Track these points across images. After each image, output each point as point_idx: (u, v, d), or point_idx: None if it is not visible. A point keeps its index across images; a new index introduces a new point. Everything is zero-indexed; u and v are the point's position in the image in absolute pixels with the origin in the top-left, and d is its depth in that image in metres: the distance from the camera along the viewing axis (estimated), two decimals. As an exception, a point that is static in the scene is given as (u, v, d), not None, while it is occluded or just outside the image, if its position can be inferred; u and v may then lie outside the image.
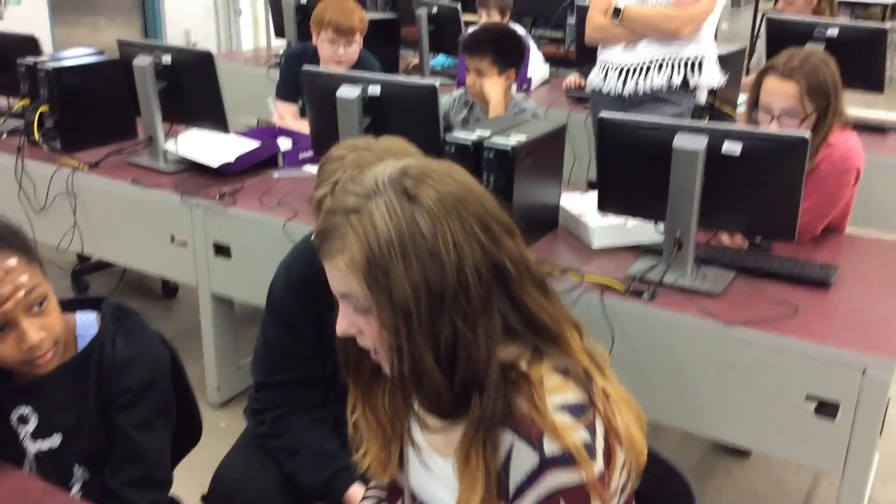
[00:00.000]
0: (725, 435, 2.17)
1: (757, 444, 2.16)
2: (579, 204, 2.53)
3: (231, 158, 2.89)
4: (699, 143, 2.03)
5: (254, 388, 1.84)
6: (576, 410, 0.98)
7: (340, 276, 0.99)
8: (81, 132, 3.15)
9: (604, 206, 2.29)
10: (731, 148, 2.02)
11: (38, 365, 1.44)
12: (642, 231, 2.35)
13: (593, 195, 2.37)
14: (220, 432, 1.95)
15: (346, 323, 1.04)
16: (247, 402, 1.88)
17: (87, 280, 3.81)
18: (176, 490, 1.74)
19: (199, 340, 2.99)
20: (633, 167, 2.20)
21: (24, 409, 1.51)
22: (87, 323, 1.57)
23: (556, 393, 0.99)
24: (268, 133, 3.27)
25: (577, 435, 0.97)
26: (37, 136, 3.11)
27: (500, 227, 1.02)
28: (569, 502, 0.97)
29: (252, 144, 2.99)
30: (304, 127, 3.16)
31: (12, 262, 1.38)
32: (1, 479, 1.48)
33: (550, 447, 0.96)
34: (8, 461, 1.52)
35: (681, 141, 2.04)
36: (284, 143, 3.10)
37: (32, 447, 1.53)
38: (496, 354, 1.00)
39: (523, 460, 0.97)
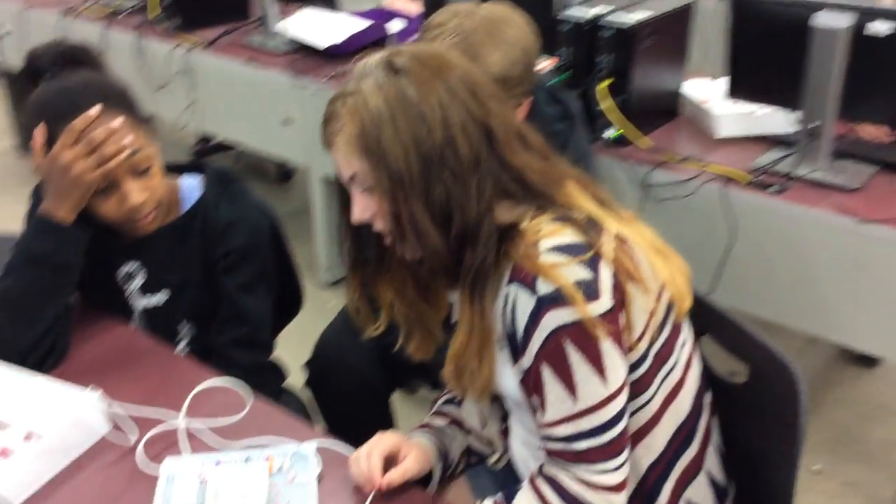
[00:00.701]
0: (854, 341, 2.03)
1: (889, 351, 2.02)
2: (704, 91, 2.36)
3: (339, 40, 2.84)
4: (842, 21, 1.83)
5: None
6: (569, 250, 1.00)
7: (343, 157, 1.05)
8: (197, 11, 3.16)
9: (735, 91, 2.13)
10: (879, 28, 1.83)
11: (139, 226, 1.46)
12: (772, 121, 2.18)
13: (720, 82, 2.21)
14: (329, 311, 1.98)
15: (359, 209, 1.08)
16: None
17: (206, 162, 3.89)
18: (281, 359, 1.77)
19: (311, 222, 3.02)
20: (768, 49, 2.03)
21: (132, 266, 1.54)
22: (192, 186, 1.57)
23: (550, 237, 1.01)
24: (380, 14, 3.20)
25: (568, 273, 0.98)
26: (155, 13, 3.13)
27: (487, 93, 1.06)
28: (574, 339, 0.99)
29: (362, 24, 2.92)
30: (417, 9, 3.07)
31: (118, 122, 1.37)
32: (110, 332, 1.53)
33: (543, 287, 0.99)
34: (117, 316, 1.56)
35: (822, 19, 1.86)
36: (396, 25, 3.02)
37: (140, 303, 1.56)
38: (491, 213, 1.04)
39: (524, 305, 1.00)
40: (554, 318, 0.98)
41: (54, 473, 1.20)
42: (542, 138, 1.12)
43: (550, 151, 1.12)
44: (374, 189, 1.04)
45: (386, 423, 1.85)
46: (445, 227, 1.03)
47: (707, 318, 1.22)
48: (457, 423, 1.29)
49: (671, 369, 1.11)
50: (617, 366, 1.02)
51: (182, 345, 1.58)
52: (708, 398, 1.20)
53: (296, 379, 1.80)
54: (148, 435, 1.26)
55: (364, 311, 1.22)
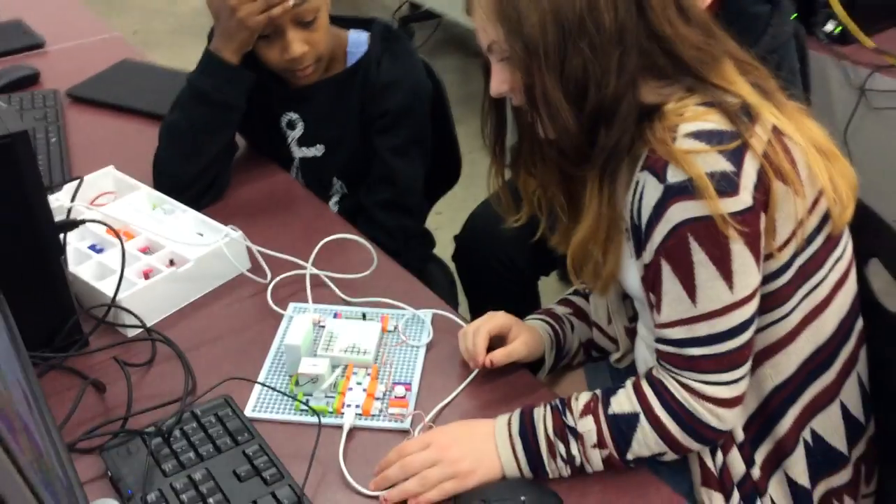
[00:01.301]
0: None
1: None
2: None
3: None
4: None
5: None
6: (710, 137, 0.90)
7: (481, 23, 0.99)
8: None
9: None
10: None
11: (298, 77, 1.47)
12: None
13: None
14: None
15: (497, 81, 1.02)
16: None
17: (412, 28, 3.86)
18: (437, 229, 1.76)
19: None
20: None
21: (293, 115, 1.56)
22: (358, 41, 1.55)
23: (691, 121, 0.91)
24: None
25: (704, 162, 0.88)
26: None
27: None
28: (700, 236, 0.90)
29: None
30: None
31: None
32: (267, 178, 1.58)
33: (674, 175, 0.89)
34: (277, 164, 1.61)
35: None
36: None
37: (298, 153, 1.59)
38: (633, 91, 0.94)
39: (651, 193, 0.92)
40: (680, 211, 0.89)
41: (189, 300, 1.28)
42: (706, 13, 0.99)
43: (715, 27, 0.99)
44: (510, 59, 0.97)
45: (529, 306, 1.81)
46: (579, 104, 0.94)
47: (879, 239, 1.07)
48: (581, 314, 1.24)
49: (817, 285, 0.99)
50: (748, 272, 0.91)
51: (334, 200, 1.61)
52: (859, 325, 1.06)
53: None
54: (278, 277, 1.31)
55: (506, 200, 1.18)
